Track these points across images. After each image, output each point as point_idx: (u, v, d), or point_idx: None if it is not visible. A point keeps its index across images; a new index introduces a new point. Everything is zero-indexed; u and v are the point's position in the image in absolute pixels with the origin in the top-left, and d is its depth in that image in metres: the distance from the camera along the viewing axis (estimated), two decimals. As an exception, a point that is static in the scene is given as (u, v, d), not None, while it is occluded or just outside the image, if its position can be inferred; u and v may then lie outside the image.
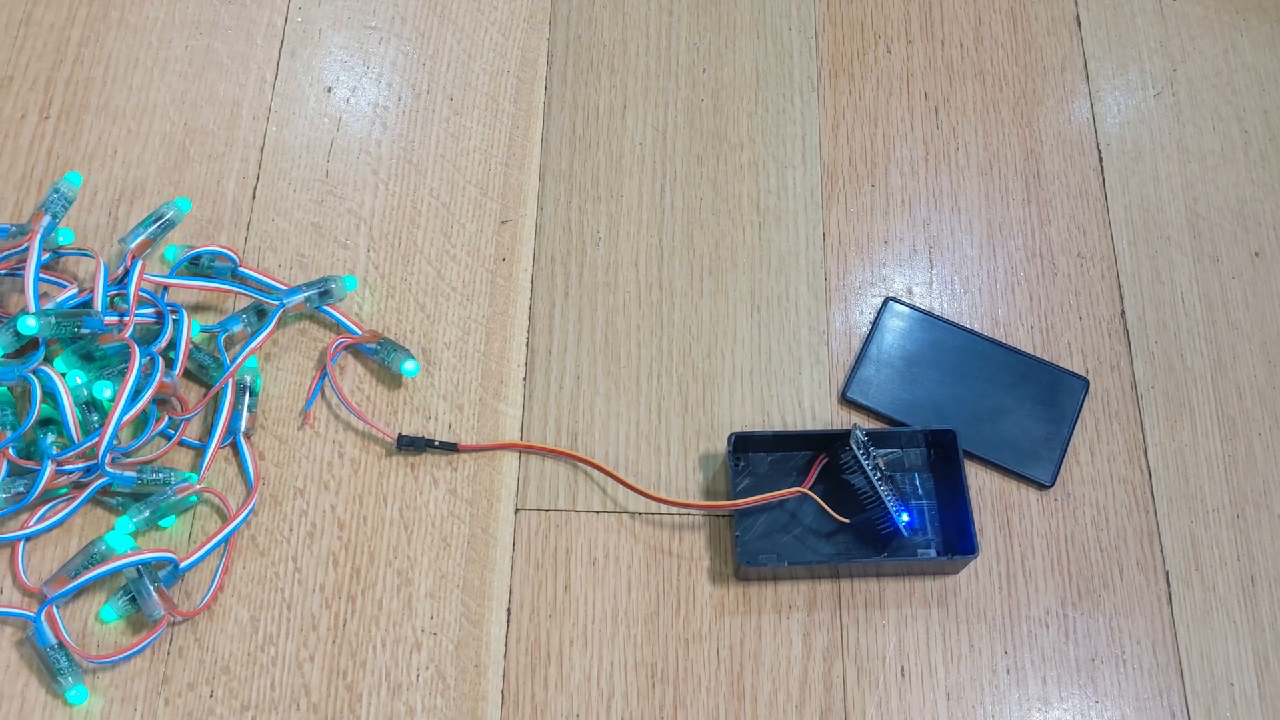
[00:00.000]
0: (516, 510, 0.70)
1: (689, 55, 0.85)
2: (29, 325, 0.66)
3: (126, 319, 0.70)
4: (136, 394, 0.67)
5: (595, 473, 0.71)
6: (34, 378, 0.67)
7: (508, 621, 0.68)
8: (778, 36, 0.86)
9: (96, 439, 0.66)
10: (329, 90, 0.84)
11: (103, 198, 0.79)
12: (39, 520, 0.68)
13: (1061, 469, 0.72)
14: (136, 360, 0.67)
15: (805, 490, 0.68)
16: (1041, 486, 0.71)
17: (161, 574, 0.66)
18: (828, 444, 0.69)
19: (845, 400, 0.73)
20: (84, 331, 0.68)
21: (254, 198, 0.79)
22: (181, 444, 0.71)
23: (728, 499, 0.69)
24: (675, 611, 0.68)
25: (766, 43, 0.86)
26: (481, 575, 0.69)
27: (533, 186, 0.80)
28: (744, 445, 0.70)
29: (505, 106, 0.83)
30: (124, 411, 0.67)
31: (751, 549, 0.68)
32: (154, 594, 0.65)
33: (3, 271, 0.74)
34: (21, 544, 0.68)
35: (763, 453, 0.71)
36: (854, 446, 0.67)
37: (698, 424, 0.73)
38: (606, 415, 0.73)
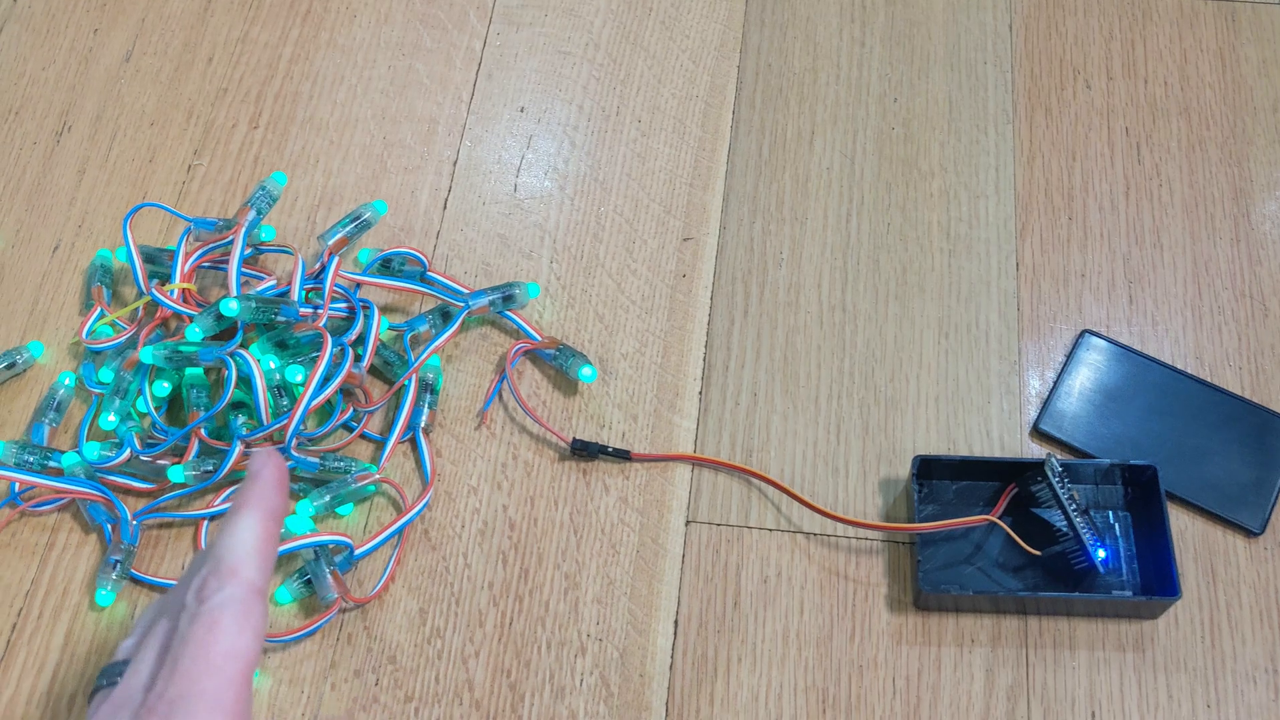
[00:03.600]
0: (687, 522, 0.69)
1: (880, 85, 0.84)
2: (231, 308, 0.69)
3: (321, 310, 0.72)
4: (326, 381, 0.69)
5: (769, 490, 0.70)
6: (231, 360, 0.69)
7: (675, 633, 0.66)
8: (972, 70, 0.84)
9: (285, 422, 0.68)
10: (522, 110, 0.85)
11: (303, 203, 0.82)
12: (223, 501, 0.70)
13: (1272, 516, 0.67)
14: (328, 348, 0.69)
15: (994, 519, 0.65)
16: (1250, 533, 0.66)
17: (337, 559, 0.67)
18: (1017, 474, 0.66)
19: (1037, 432, 0.70)
20: (280, 319, 0.70)
21: (445, 208, 0.81)
22: (362, 436, 0.72)
23: (910, 524, 0.66)
24: (850, 637, 0.65)
25: (960, 75, 0.84)
26: (650, 585, 0.67)
27: (716, 206, 0.80)
28: (928, 470, 0.67)
29: (692, 129, 0.84)
30: (313, 396, 0.68)
31: (934, 577, 0.65)
32: (329, 577, 0.65)
33: (206, 264, 0.77)
34: (205, 523, 0.70)
35: (947, 479, 0.68)
36: (1050, 475, 0.63)
37: (878, 448, 0.71)
38: (783, 434, 0.72)
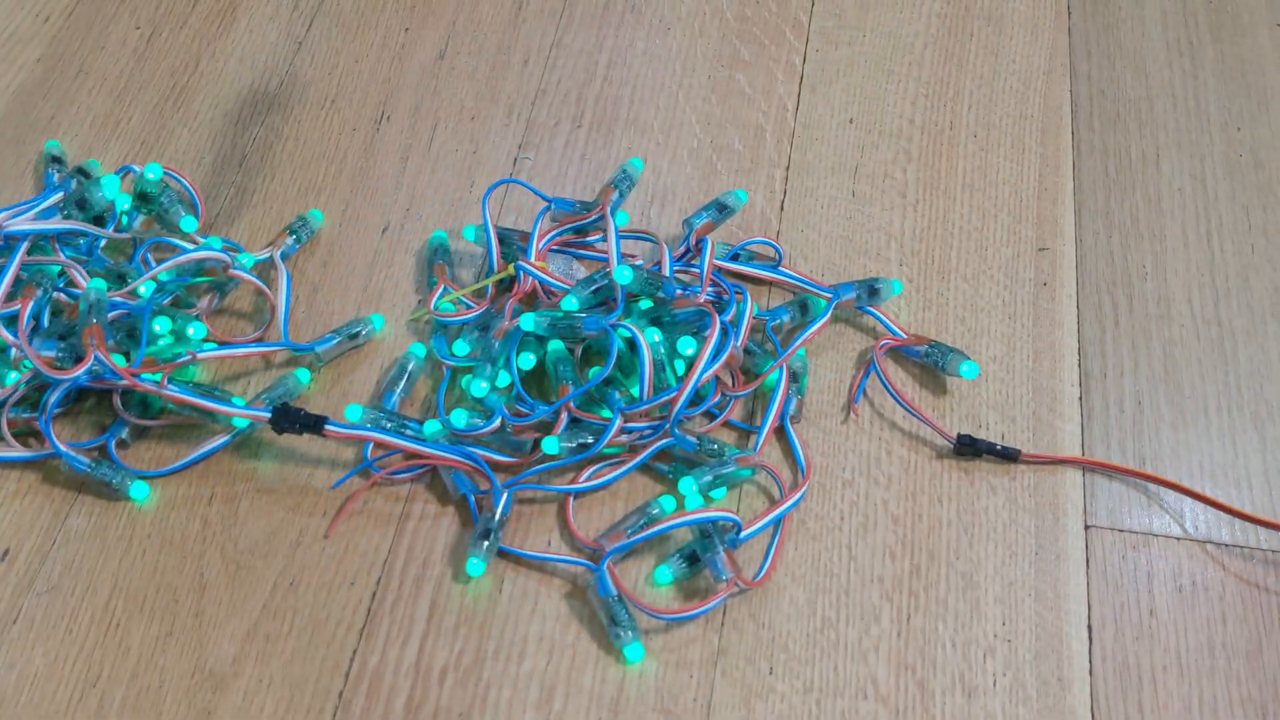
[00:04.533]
0: (1086, 527, 0.66)
1: (1220, 115, 0.83)
2: (624, 275, 0.67)
3: (700, 290, 0.70)
4: (715, 356, 0.66)
5: (1168, 497, 0.66)
6: (614, 332, 0.67)
7: (1089, 639, 0.62)
8: (1315, 104, 0.84)
9: (670, 396, 0.66)
10: (850, 121, 0.85)
11: (634, 198, 0.80)
12: (587, 478, 0.67)
13: None
14: (717, 324, 0.67)
15: None
16: None
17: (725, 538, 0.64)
18: None
19: None
20: (660, 295, 0.69)
21: (782, 210, 0.80)
22: (727, 423, 0.70)
23: (1335, 538, 0.63)
24: (1283, 652, 0.61)
25: (1304, 109, 0.83)
26: (1054, 588, 0.63)
27: (1069, 220, 0.78)
28: (1351, 483, 0.64)
29: (1032, 146, 0.82)
30: (704, 371, 0.66)
31: (1375, 591, 0.61)
32: (723, 555, 0.62)
33: (554, 249, 0.76)
34: (570, 499, 0.67)
35: (1370, 494, 0.64)
36: None
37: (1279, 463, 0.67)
38: (1175, 444, 0.68)
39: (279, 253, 0.76)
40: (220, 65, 0.89)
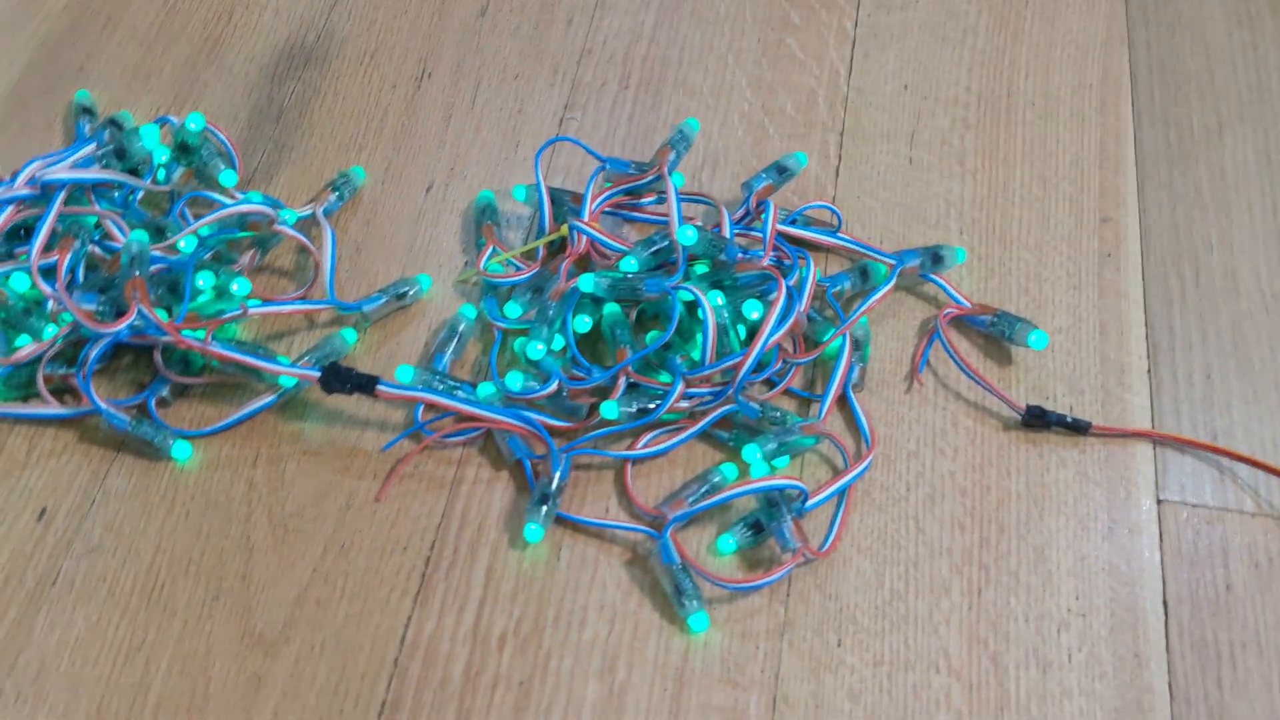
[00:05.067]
0: (1159, 501, 0.64)
1: (1283, 87, 0.82)
2: (688, 235, 0.65)
3: (757, 256, 0.68)
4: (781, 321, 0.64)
5: (1242, 472, 0.65)
6: (676, 295, 0.65)
7: (1165, 615, 0.60)
8: (1378, 78, 0.82)
9: (731, 363, 0.64)
10: (905, 88, 0.83)
11: (684, 162, 0.78)
12: (644, 445, 0.65)
13: None
14: (783, 288, 0.65)
15: None
16: None
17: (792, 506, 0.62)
18: None
19: None
20: (722, 258, 0.67)
21: (837, 176, 0.78)
22: (788, 392, 0.68)
23: None
24: (1363, 630, 0.60)
25: (1367, 83, 0.82)
26: (1128, 563, 0.62)
27: (1131, 191, 0.77)
28: None
29: (1091, 116, 0.81)
30: (770, 335, 0.64)
31: None
32: (790, 524, 0.61)
33: (607, 210, 0.74)
34: (629, 465, 0.65)
35: None
36: None
37: (1355, 439, 0.66)
38: (1247, 418, 0.67)
39: (322, 209, 0.74)
40: (255, 18, 0.87)
